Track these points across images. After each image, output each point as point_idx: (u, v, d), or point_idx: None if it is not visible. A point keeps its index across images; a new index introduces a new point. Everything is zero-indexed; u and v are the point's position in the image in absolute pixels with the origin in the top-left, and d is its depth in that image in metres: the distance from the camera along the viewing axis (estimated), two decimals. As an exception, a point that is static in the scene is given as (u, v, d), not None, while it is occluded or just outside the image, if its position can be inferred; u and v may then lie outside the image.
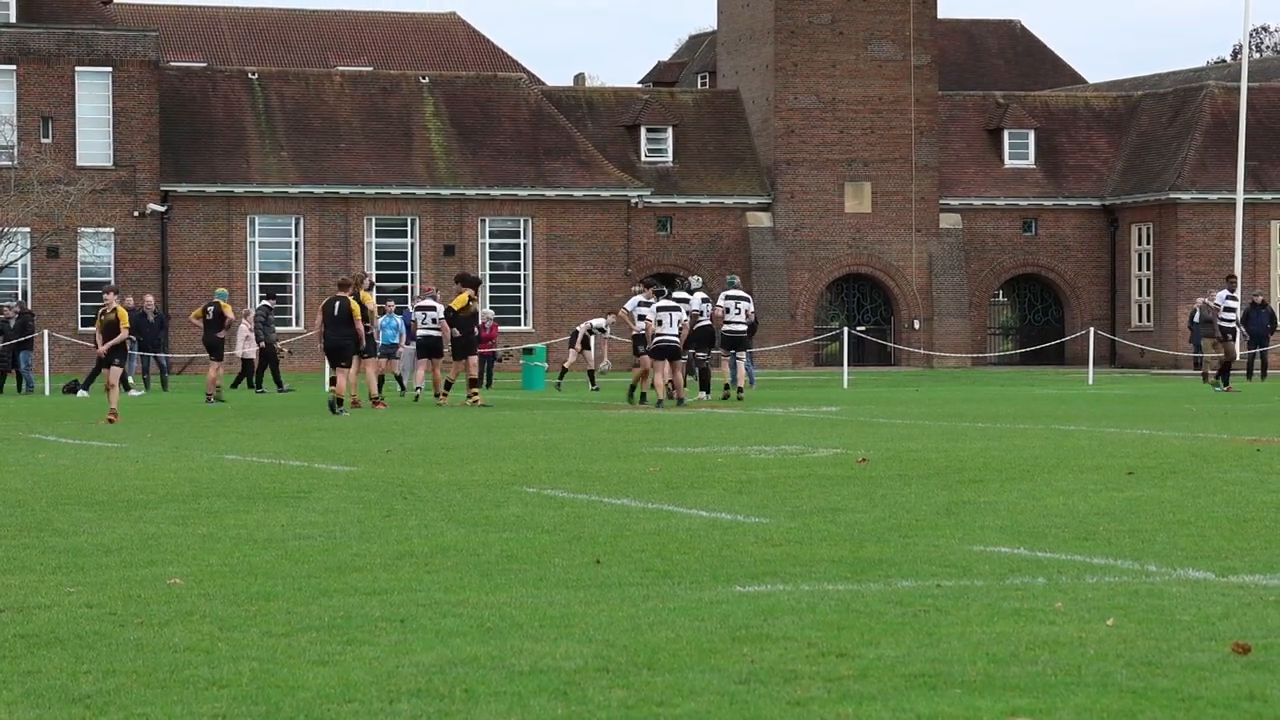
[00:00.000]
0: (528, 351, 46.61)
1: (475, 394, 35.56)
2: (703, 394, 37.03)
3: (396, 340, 40.45)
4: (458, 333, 35.66)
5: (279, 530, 14.02)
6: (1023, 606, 9.97)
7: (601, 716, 7.43)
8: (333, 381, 33.34)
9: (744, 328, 37.10)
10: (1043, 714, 7.38)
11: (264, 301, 46.73)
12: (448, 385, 36.81)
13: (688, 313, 35.71)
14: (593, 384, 42.83)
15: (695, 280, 39.67)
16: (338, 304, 32.84)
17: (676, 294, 37.55)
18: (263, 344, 44.29)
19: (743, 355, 37.34)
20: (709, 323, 37.44)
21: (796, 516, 14.66)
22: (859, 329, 58.22)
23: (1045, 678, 8.07)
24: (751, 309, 38.04)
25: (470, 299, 35.82)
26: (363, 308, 33.77)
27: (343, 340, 32.56)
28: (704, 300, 37.78)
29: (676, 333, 34.44)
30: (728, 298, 37.61)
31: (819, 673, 8.21)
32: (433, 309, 37.62)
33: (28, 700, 7.81)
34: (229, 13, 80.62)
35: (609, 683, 8.05)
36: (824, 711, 7.46)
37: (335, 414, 31.32)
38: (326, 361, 34.88)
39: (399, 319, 41.26)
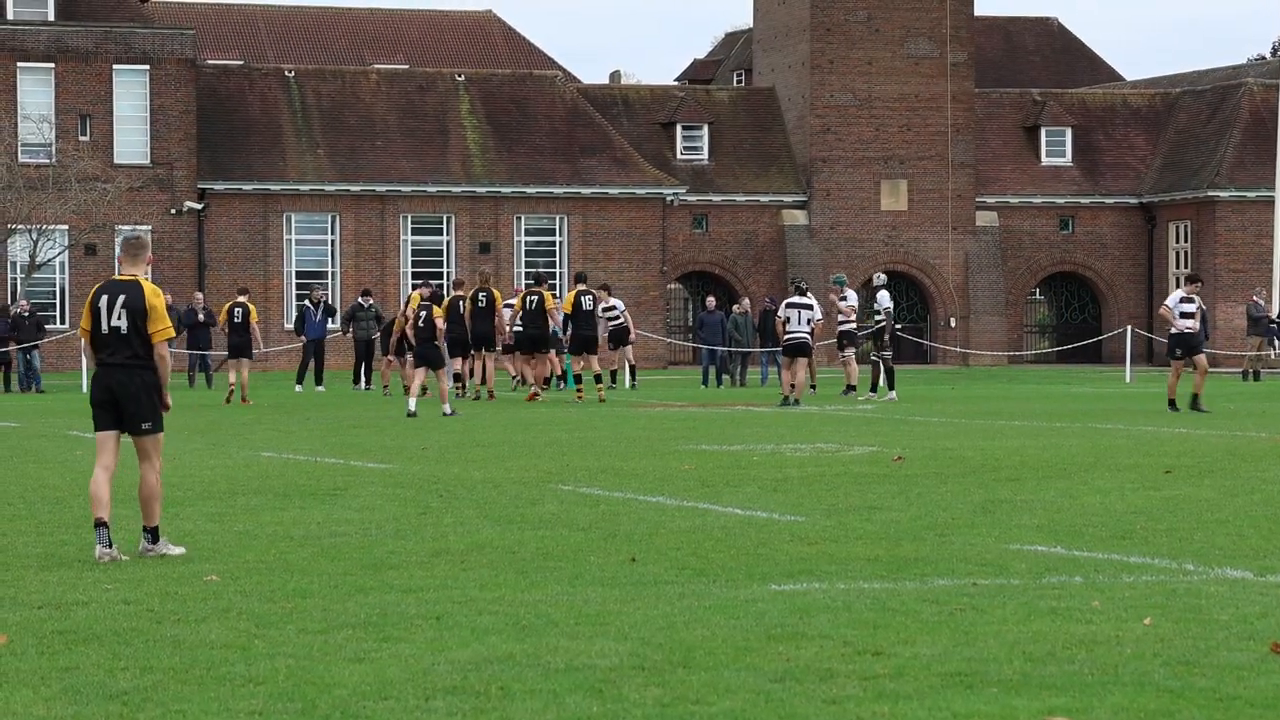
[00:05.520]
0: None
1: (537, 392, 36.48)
2: (892, 394, 36.02)
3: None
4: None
5: (315, 528, 14.04)
6: (1059, 605, 9.94)
7: (637, 714, 7.43)
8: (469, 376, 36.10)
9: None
10: (1080, 713, 7.36)
11: (358, 299, 46.87)
12: (546, 381, 37.57)
13: (883, 311, 36.26)
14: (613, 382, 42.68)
15: (879, 278, 39.16)
16: (482, 298, 36.24)
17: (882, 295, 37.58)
18: (348, 334, 45.17)
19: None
20: (886, 322, 37.47)
21: (832, 515, 14.64)
22: (895, 327, 58.05)
23: (1082, 677, 8.05)
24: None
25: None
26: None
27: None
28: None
29: (808, 330, 33.97)
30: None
31: (855, 671, 8.19)
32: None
33: (65, 696, 7.83)
34: (266, 11, 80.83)
35: (644, 681, 8.04)
36: (860, 710, 7.45)
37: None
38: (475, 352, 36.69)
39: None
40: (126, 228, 57.80)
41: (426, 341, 31.54)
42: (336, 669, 8.35)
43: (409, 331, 33.41)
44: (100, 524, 12.34)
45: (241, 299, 39.27)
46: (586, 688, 7.89)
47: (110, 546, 12.27)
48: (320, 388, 42.94)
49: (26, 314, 44.71)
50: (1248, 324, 51.85)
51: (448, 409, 30.41)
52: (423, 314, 31.84)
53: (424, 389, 34.33)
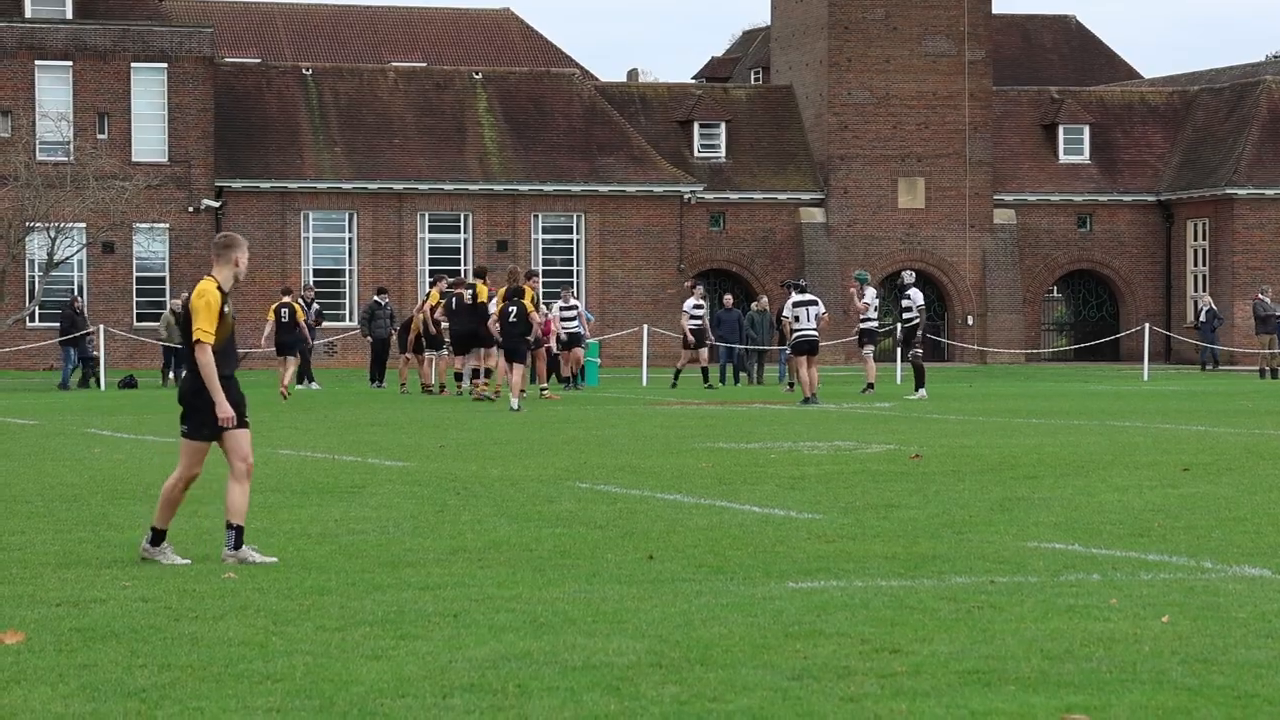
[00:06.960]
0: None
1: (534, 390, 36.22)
2: (920, 392, 35.36)
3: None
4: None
5: (333, 525, 14.06)
6: (1077, 603, 9.93)
7: (654, 712, 7.43)
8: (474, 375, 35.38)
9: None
10: (1097, 711, 7.35)
11: (374, 298, 47.31)
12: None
13: (915, 308, 35.92)
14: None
15: (909, 275, 38.60)
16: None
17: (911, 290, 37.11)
18: (368, 338, 46.03)
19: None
20: (920, 319, 37.06)
21: (849, 512, 14.63)
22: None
23: (1100, 675, 8.04)
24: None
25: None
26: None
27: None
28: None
29: (815, 328, 34.05)
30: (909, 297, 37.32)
31: (872, 669, 8.19)
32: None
33: (84, 693, 7.85)
34: (283, 9, 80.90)
35: (662, 678, 8.04)
36: (877, 708, 7.44)
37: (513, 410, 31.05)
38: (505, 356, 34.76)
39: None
40: (144, 225, 57.93)
41: (518, 336, 31.53)
42: (354, 666, 8.36)
43: (493, 327, 33.21)
44: (232, 526, 12.12)
45: (286, 299, 40.14)
46: (604, 685, 7.90)
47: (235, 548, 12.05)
48: (309, 384, 43.42)
49: (80, 311, 46.56)
50: (1255, 323, 51.75)
51: (515, 404, 30.61)
52: (512, 309, 31.76)
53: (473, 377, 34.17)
